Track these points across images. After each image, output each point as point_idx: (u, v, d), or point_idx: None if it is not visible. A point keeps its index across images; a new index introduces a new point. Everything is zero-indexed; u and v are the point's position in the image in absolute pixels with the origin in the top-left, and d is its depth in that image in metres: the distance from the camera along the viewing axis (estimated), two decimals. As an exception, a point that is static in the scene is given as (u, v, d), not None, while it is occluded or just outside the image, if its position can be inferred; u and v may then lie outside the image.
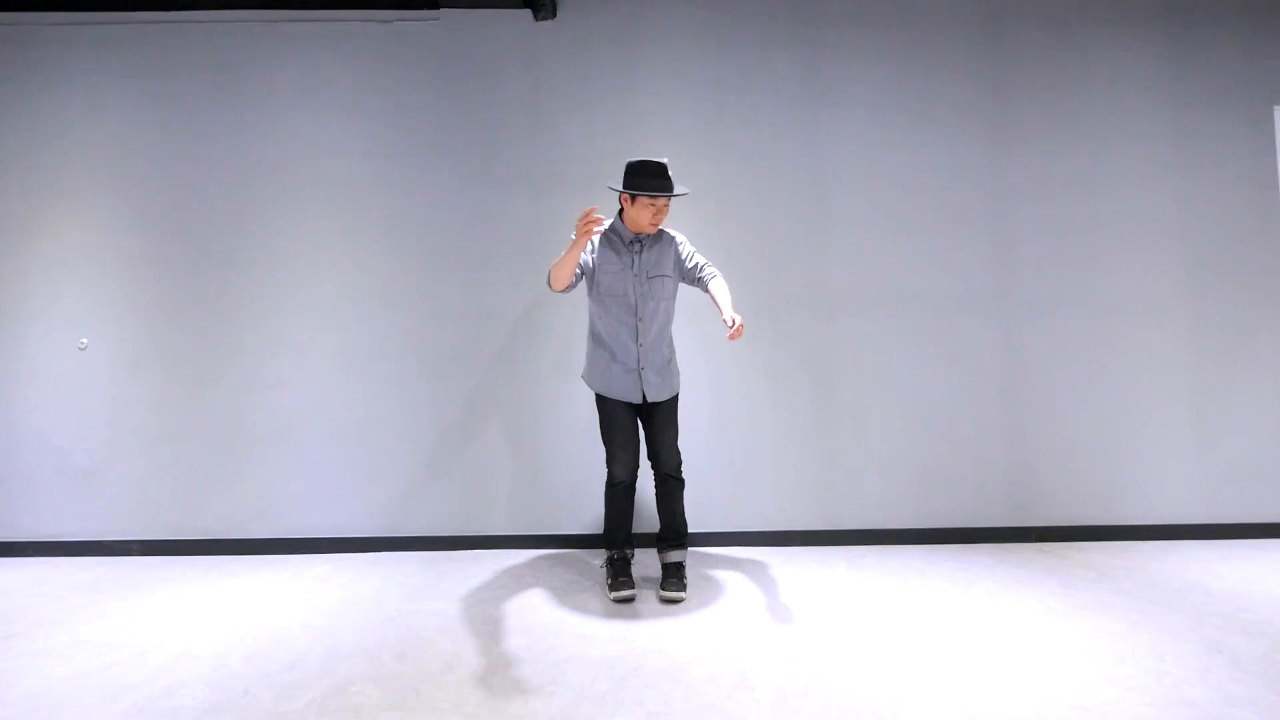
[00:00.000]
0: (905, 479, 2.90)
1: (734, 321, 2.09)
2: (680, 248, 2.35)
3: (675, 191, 2.18)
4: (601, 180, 2.89)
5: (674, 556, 2.33)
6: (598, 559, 2.70)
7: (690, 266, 2.35)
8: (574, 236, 2.03)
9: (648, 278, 2.25)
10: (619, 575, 2.28)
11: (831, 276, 2.94)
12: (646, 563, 2.62)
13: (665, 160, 2.19)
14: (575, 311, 2.90)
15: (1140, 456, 2.91)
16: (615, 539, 2.35)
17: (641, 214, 2.18)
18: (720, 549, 2.82)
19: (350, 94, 2.99)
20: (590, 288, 2.29)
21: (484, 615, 2.13)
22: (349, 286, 2.95)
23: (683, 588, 2.25)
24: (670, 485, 2.31)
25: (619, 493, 2.28)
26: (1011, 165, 2.97)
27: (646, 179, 2.15)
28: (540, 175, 2.96)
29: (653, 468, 2.32)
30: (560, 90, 2.98)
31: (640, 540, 2.70)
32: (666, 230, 2.36)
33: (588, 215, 1.94)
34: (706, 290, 2.33)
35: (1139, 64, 2.98)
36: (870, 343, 2.93)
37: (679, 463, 2.32)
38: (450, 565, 2.67)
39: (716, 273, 2.36)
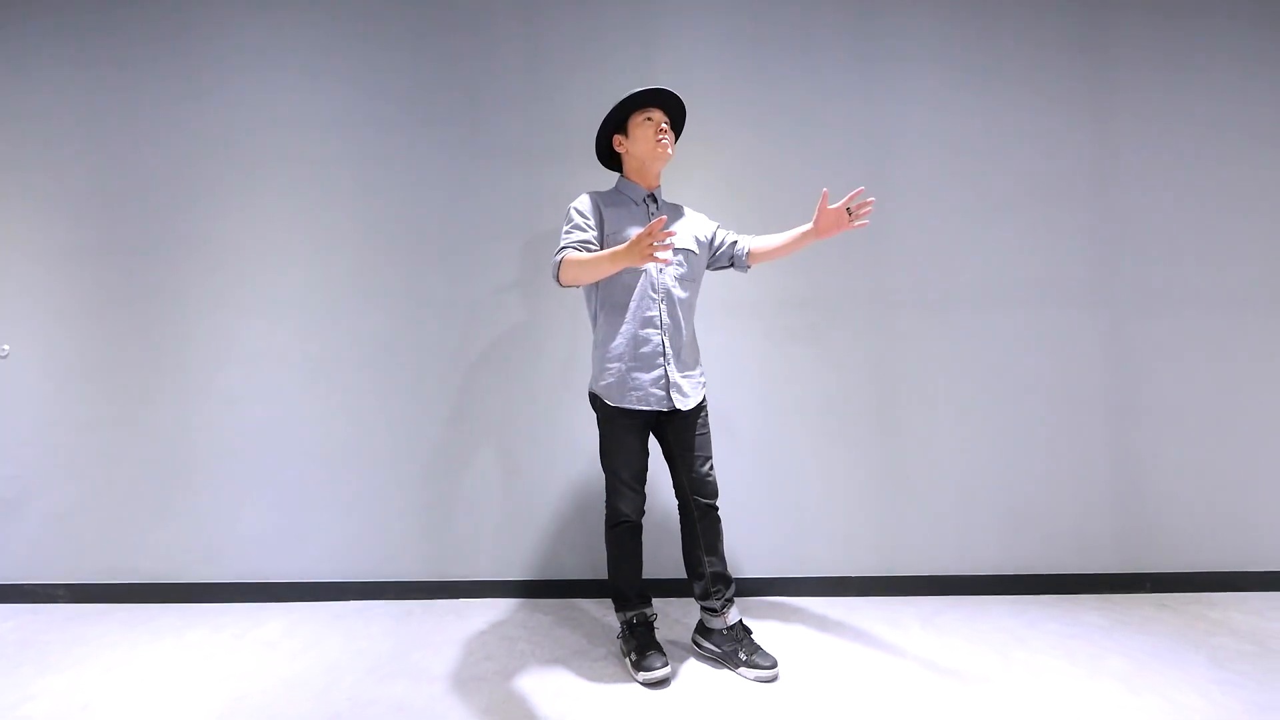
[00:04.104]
0: (987, 513, 2.37)
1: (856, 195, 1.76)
2: (706, 224, 1.95)
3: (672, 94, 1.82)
4: (613, 152, 2.38)
5: (735, 614, 1.84)
6: (607, 612, 2.20)
7: (720, 243, 1.93)
8: (614, 247, 1.65)
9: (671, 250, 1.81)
10: (645, 648, 1.78)
11: (893, 266, 2.42)
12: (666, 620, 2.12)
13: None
14: (583, 309, 2.40)
15: (1285, 487, 2.35)
16: (629, 597, 1.85)
17: (642, 139, 1.79)
18: (758, 599, 2.30)
19: (314, 55, 2.50)
20: None
21: (465, 710, 1.63)
22: (313, 281, 2.47)
23: (771, 656, 1.77)
24: (712, 518, 1.84)
25: (625, 534, 1.81)
26: (1116, 127, 2.42)
27: (634, 94, 1.80)
28: (539, 147, 2.46)
29: (684, 499, 1.84)
30: (562, 45, 2.48)
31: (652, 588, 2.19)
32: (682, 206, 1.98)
33: (653, 229, 1.47)
34: (747, 263, 1.92)
35: (1272, 7, 2.43)
36: (942, 347, 2.40)
37: (717, 489, 1.85)
38: (429, 622, 2.17)
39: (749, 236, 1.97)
